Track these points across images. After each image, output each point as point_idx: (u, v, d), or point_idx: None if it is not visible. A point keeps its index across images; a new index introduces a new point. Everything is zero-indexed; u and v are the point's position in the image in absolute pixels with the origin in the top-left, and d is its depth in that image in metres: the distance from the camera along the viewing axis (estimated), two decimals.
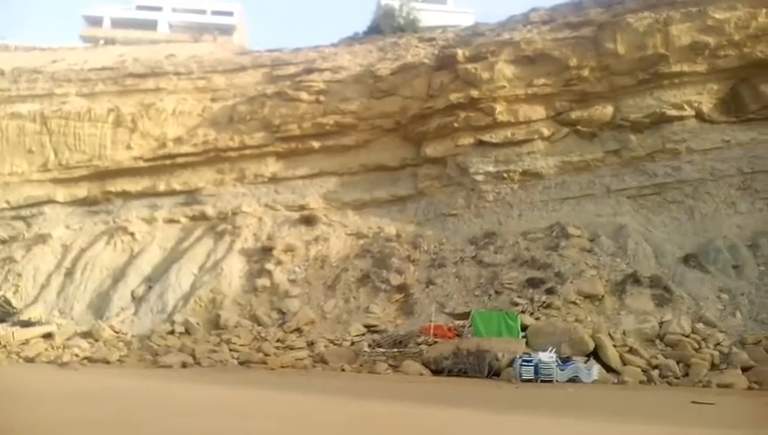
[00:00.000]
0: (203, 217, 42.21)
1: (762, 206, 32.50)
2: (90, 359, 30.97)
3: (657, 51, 35.54)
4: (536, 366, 24.03)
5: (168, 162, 44.54)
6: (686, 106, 35.21)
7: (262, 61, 50.15)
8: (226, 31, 79.45)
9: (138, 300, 37.40)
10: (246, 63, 49.87)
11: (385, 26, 58.17)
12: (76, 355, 31.28)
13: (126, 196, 44.49)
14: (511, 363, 25.07)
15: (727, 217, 32.54)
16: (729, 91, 35.25)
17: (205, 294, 36.16)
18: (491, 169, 37.92)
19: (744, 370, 23.58)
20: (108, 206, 44.55)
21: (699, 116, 35.22)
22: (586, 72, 37.17)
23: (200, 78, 48.34)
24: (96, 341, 33.45)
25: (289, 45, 53.89)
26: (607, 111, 36.63)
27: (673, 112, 35.24)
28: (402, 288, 33.70)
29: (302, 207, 41.01)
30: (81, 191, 44.90)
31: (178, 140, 45.03)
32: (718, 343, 25.51)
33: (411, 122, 41.37)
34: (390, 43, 50.48)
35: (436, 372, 26.35)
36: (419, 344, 28.47)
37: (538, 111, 37.94)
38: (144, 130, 45.26)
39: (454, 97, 39.38)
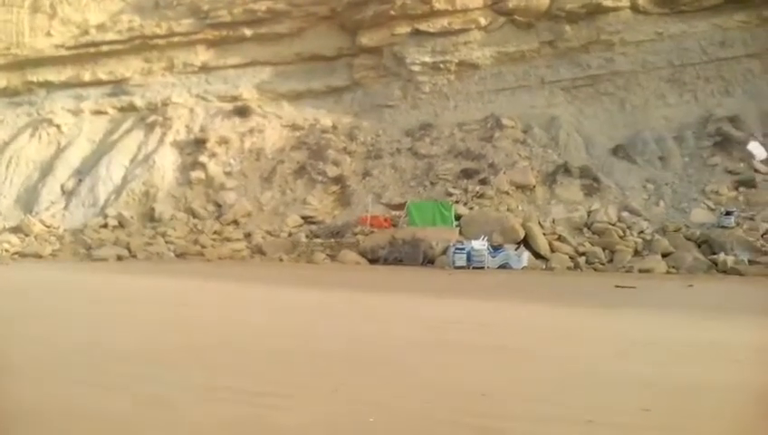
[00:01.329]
0: (132, 108, 40.88)
1: (689, 98, 33.38)
2: (21, 254, 30.45)
3: None
4: (469, 254, 24.77)
5: (92, 50, 42.44)
6: None
7: None
8: None
9: (68, 194, 36.54)
10: None
11: None
12: (6, 250, 30.66)
13: (49, 86, 42.54)
14: (445, 251, 25.83)
15: (656, 108, 33.35)
16: None
17: (137, 187, 35.53)
18: (427, 59, 37.49)
19: (664, 256, 24.81)
20: (30, 97, 42.62)
21: (634, 7, 35.30)
22: None
23: None
24: (26, 235, 32.78)
25: None
26: (543, 0, 36.27)
27: (608, 3, 35.14)
28: (339, 180, 33.81)
29: (235, 98, 40.02)
30: (0, 82, 42.58)
31: (102, 27, 42.79)
32: (642, 231, 26.66)
33: (347, 10, 40.11)
34: None
35: (373, 260, 26.96)
36: (356, 234, 28.99)
37: (475, 0, 37.30)
38: (64, 16, 42.78)
39: None
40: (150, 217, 33.70)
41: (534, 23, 36.54)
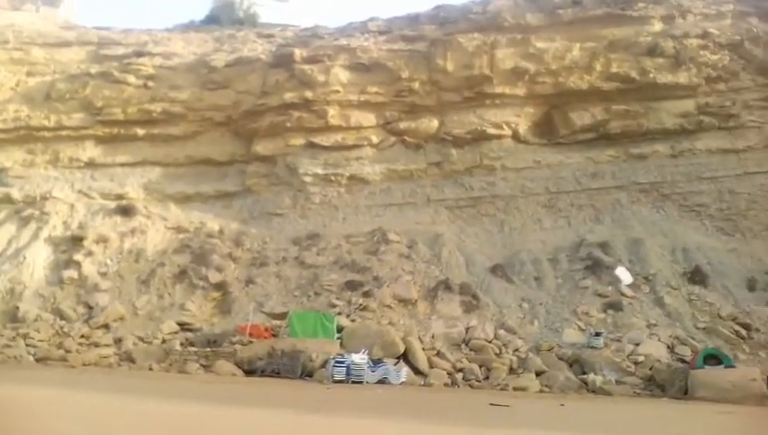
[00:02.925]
0: (7, 199, 38.72)
1: (563, 223, 35.38)
2: None
3: (482, 71, 37.64)
4: (348, 367, 24.50)
5: None
6: (504, 126, 37.58)
7: (88, 38, 47.13)
8: (52, 2, 73.60)
9: None
10: (70, 39, 46.64)
11: (223, 17, 57.10)
12: None
13: None
14: (324, 364, 25.38)
15: (533, 231, 35.07)
16: (543, 116, 38.15)
17: (2, 283, 33.23)
18: (319, 171, 38.22)
19: (538, 374, 25.46)
20: None
21: (515, 136, 37.76)
22: (416, 85, 38.57)
23: (16, 49, 44.47)
24: None
25: (120, 25, 51.17)
26: (433, 124, 38.24)
27: (492, 131, 37.47)
28: (221, 286, 32.96)
29: (120, 197, 38.83)
30: None
31: None
32: (517, 349, 27.30)
33: (243, 118, 40.70)
34: (228, 34, 49.45)
35: (250, 372, 26.05)
36: (234, 344, 27.95)
37: (369, 119, 38.84)
38: None
39: (288, 96, 39.32)
40: (13, 316, 31.33)
41: (423, 144, 38.31)
